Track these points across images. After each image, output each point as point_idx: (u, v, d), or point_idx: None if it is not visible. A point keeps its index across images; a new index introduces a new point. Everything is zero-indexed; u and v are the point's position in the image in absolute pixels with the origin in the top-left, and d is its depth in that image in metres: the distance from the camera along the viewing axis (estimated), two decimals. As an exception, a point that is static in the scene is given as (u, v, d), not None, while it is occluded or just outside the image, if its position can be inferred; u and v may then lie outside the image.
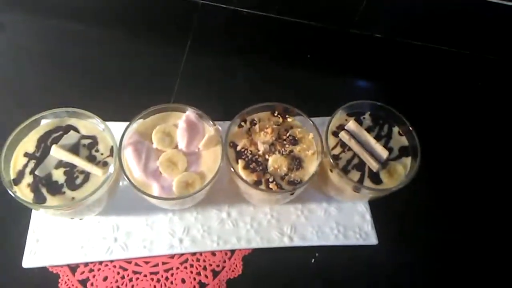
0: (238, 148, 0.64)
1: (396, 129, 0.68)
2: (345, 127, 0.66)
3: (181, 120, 0.64)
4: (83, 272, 0.65)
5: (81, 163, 0.59)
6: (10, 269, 0.64)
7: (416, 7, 0.93)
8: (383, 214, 0.73)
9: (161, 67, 0.90)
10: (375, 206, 0.74)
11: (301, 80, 0.91)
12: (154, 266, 0.67)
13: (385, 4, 0.94)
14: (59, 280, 0.64)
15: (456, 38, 0.98)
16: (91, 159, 0.60)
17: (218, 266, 0.68)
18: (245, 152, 0.64)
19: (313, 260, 0.70)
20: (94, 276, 0.65)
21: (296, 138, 0.65)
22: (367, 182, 0.62)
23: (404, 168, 0.64)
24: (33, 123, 0.61)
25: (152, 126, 0.64)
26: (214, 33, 0.97)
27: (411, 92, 0.92)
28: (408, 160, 0.65)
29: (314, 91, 0.89)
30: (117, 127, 0.63)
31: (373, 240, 0.71)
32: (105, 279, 0.65)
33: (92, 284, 0.65)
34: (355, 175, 0.63)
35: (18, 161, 0.58)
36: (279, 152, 0.64)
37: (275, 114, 0.68)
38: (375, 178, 0.63)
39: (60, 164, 0.59)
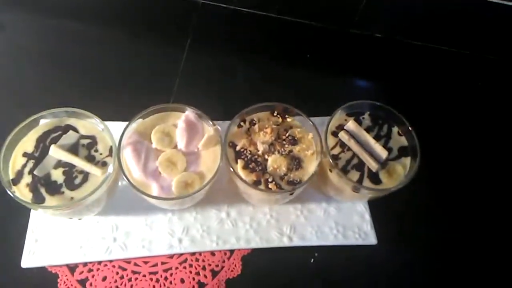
0: (238, 148, 0.64)
1: (395, 129, 0.68)
2: (345, 127, 0.66)
3: (181, 120, 0.64)
4: (82, 272, 0.65)
5: (80, 163, 0.58)
6: (9, 269, 0.64)
7: (416, 7, 0.93)
8: (382, 214, 0.73)
9: (161, 67, 0.90)
10: (374, 206, 0.74)
11: (301, 80, 0.91)
12: (153, 266, 0.67)
13: (385, 4, 0.94)
14: (58, 280, 0.64)
15: (456, 38, 0.98)
16: (90, 159, 0.60)
17: (217, 266, 0.68)
18: (245, 152, 0.63)
19: (312, 260, 0.70)
20: (93, 276, 0.65)
21: (296, 138, 0.65)
22: (367, 182, 0.62)
23: (403, 168, 0.64)
24: (32, 123, 0.61)
25: (152, 126, 0.64)
26: (214, 32, 0.97)
27: (410, 92, 0.92)
28: (407, 160, 0.65)
29: (314, 91, 0.89)
30: (116, 127, 0.63)
31: (372, 240, 0.71)
32: (104, 279, 0.65)
33: (91, 284, 0.65)
34: (355, 175, 0.63)
35: (17, 161, 0.58)
36: (278, 152, 0.64)
37: (275, 114, 0.68)
38: (375, 178, 0.63)
39: (59, 164, 0.59)
